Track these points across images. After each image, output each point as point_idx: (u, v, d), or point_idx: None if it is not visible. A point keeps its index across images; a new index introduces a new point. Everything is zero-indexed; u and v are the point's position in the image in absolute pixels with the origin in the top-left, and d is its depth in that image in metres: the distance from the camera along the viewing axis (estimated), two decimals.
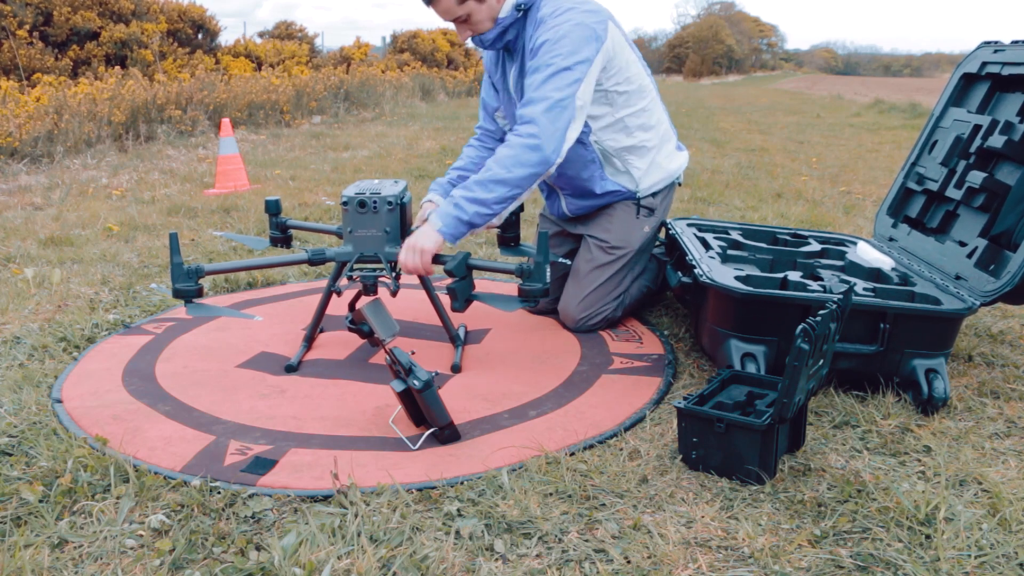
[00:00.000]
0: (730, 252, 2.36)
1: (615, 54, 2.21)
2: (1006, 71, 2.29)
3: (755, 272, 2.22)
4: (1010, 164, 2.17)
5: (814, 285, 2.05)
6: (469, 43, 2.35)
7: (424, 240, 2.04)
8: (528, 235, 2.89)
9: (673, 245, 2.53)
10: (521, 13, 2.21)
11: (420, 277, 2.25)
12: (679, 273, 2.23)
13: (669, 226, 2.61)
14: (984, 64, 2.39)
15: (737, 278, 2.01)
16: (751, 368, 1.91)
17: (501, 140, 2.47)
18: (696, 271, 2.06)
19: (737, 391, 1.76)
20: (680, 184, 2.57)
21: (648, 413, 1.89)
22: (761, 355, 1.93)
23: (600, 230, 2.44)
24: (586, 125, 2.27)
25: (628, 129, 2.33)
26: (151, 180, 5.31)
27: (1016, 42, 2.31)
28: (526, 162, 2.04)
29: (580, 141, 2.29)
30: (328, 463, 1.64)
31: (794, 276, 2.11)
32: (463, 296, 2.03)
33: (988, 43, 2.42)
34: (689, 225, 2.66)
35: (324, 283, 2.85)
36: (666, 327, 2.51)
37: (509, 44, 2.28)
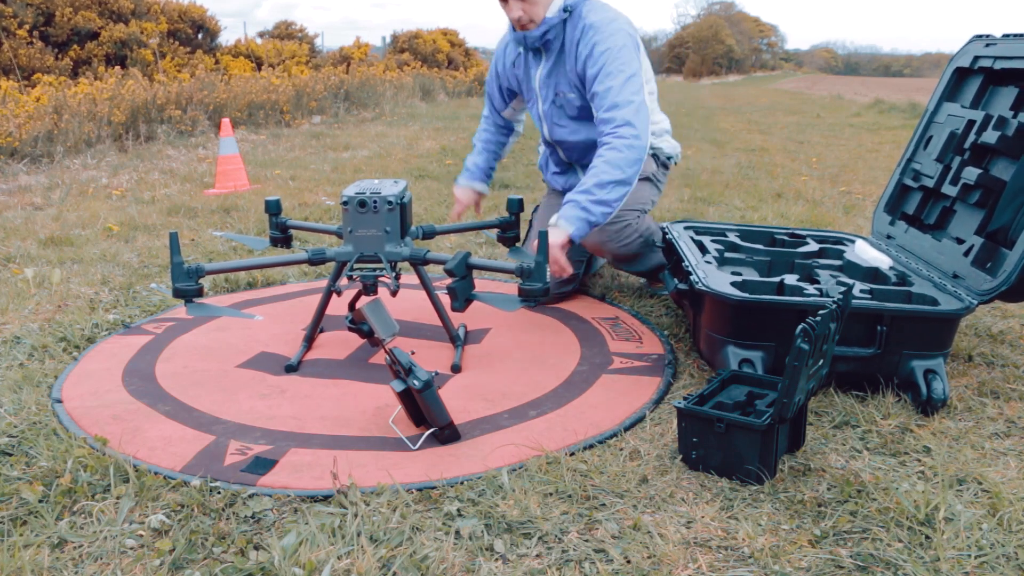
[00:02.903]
0: (727, 255, 2.36)
1: (642, 62, 2.45)
2: (998, 65, 2.28)
3: (752, 275, 2.22)
4: (1005, 159, 2.17)
5: (811, 288, 2.05)
6: (495, 44, 2.57)
7: (555, 240, 2.23)
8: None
9: (670, 250, 2.53)
10: (567, 15, 2.40)
11: (420, 277, 2.26)
12: (675, 279, 2.24)
13: (666, 230, 2.61)
14: (976, 58, 2.38)
15: (733, 284, 2.01)
16: None
17: (510, 130, 2.88)
18: (692, 277, 2.06)
19: (737, 391, 1.76)
20: (676, 163, 2.79)
21: (648, 413, 1.90)
22: (759, 360, 1.93)
23: None
24: None
25: None
26: (151, 180, 5.31)
27: (1008, 36, 2.31)
28: (635, 160, 2.28)
29: None
30: (328, 463, 1.64)
31: (791, 280, 2.11)
32: (463, 296, 2.03)
33: (980, 37, 2.42)
34: (686, 228, 2.66)
35: (324, 283, 2.85)
36: (666, 327, 2.51)
37: (545, 43, 2.46)
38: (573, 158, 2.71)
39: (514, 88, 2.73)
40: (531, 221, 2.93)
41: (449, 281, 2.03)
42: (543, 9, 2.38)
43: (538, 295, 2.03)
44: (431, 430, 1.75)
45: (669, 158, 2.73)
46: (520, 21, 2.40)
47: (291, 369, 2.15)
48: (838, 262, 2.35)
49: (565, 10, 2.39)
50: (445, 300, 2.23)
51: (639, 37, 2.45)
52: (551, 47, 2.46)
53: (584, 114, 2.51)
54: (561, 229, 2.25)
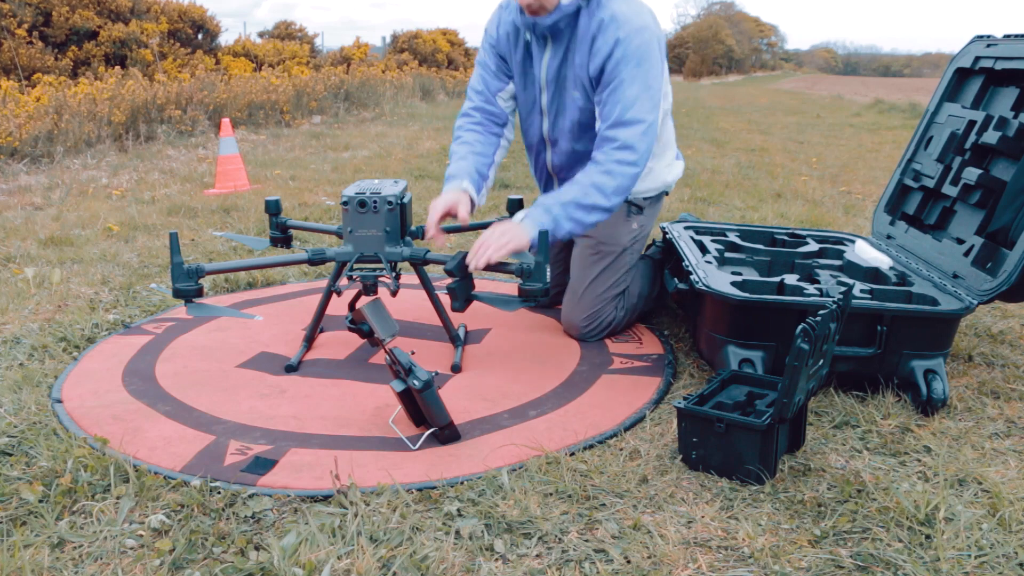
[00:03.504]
0: (727, 255, 2.36)
1: (664, 67, 2.21)
2: (999, 65, 2.28)
3: (753, 275, 2.22)
4: (1005, 160, 2.17)
5: (811, 288, 2.05)
6: (520, 23, 2.21)
7: (518, 236, 2.01)
8: None
9: (670, 250, 2.53)
10: (584, 3, 2.13)
11: (420, 277, 2.25)
12: (676, 279, 2.24)
13: (666, 230, 2.61)
14: (977, 59, 2.38)
15: (733, 284, 2.01)
16: None
17: (503, 123, 2.39)
18: (692, 277, 2.06)
19: (737, 391, 1.76)
20: (668, 194, 2.56)
21: (648, 413, 1.90)
22: (759, 360, 1.93)
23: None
24: None
25: None
26: (151, 180, 5.31)
27: (1009, 36, 2.31)
28: (625, 188, 2.10)
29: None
30: (328, 463, 1.64)
31: (791, 280, 2.11)
32: (463, 296, 2.03)
33: (981, 37, 2.41)
34: (686, 228, 2.66)
35: (324, 283, 2.85)
36: (666, 327, 2.51)
37: (555, 32, 2.19)
38: (557, 164, 2.43)
39: (509, 61, 2.36)
40: None
41: (449, 281, 2.03)
42: None
43: (538, 295, 2.03)
44: (431, 430, 1.75)
45: (664, 192, 2.50)
46: (531, 7, 2.14)
47: (291, 369, 2.15)
48: (838, 262, 2.35)
49: None
50: (445, 300, 2.23)
51: (663, 33, 2.20)
52: (561, 36, 2.20)
53: (585, 117, 2.26)
54: (525, 228, 2.03)
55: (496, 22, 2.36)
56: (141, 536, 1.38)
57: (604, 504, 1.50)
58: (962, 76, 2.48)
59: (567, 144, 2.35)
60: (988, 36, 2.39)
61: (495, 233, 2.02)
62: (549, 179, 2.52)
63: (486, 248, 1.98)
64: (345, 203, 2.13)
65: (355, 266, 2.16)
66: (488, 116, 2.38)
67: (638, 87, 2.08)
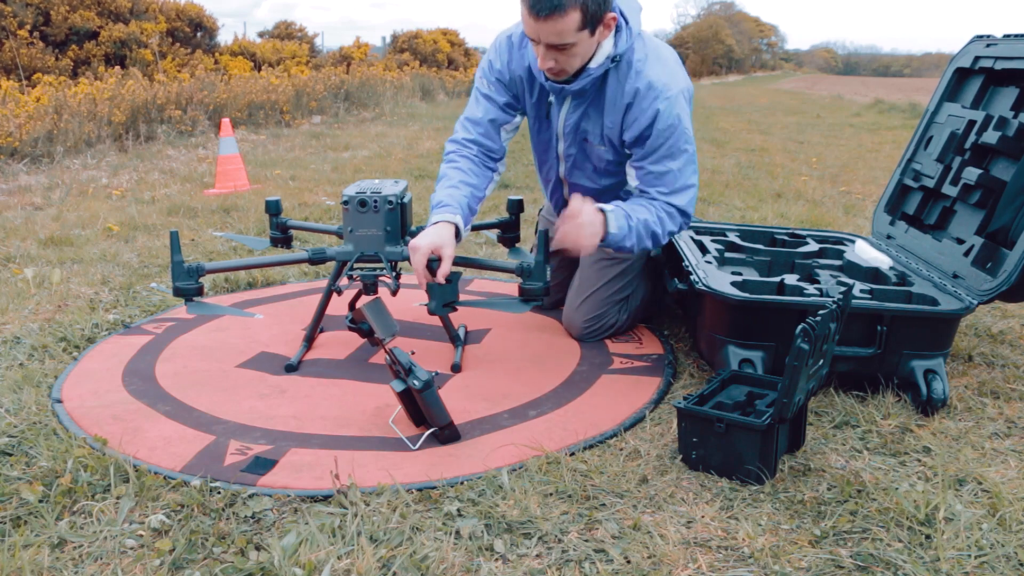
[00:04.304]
0: (727, 255, 2.36)
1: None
2: (999, 65, 2.28)
3: (753, 275, 2.22)
4: (1005, 160, 2.17)
5: (811, 288, 2.05)
6: (539, 77, 2.11)
7: (591, 233, 1.97)
8: (528, 235, 2.89)
9: (670, 250, 2.53)
10: (613, 64, 2.04)
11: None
12: (676, 279, 2.23)
13: None
14: (977, 58, 2.38)
15: (734, 284, 2.01)
16: None
17: (499, 159, 2.25)
18: (692, 277, 2.06)
19: (737, 391, 1.76)
20: None
21: (648, 413, 1.89)
22: (759, 360, 1.93)
23: None
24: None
25: None
26: (151, 180, 5.31)
27: (1008, 36, 2.31)
28: (667, 238, 2.13)
29: (624, 187, 2.26)
30: (328, 463, 1.64)
31: (791, 280, 2.11)
32: (440, 298, 1.98)
33: (981, 37, 2.41)
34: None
35: (324, 283, 2.85)
36: (666, 327, 2.51)
37: (580, 93, 2.11)
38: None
39: (521, 99, 2.23)
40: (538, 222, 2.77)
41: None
42: (580, 60, 1.98)
43: (539, 294, 2.03)
44: (431, 430, 1.75)
45: None
46: (552, 71, 2.00)
47: (291, 369, 2.15)
48: (838, 262, 2.35)
49: (613, 59, 2.02)
50: None
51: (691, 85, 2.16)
52: (585, 95, 2.11)
53: (612, 168, 2.22)
54: (600, 221, 1.98)
55: (506, 59, 2.18)
56: (141, 536, 1.38)
57: (604, 504, 1.50)
58: (962, 76, 2.48)
59: (590, 184, 2.31)
60: (988, 36, 2.39)
61: (576, 228, 1.96)
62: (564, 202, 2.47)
63: (564, 241, 1.97)
64: (345, 203, 2.13)
65: (355, 266, 2.16)
66: (484, 151, 2.22)
67: (683, 157, 2.07)
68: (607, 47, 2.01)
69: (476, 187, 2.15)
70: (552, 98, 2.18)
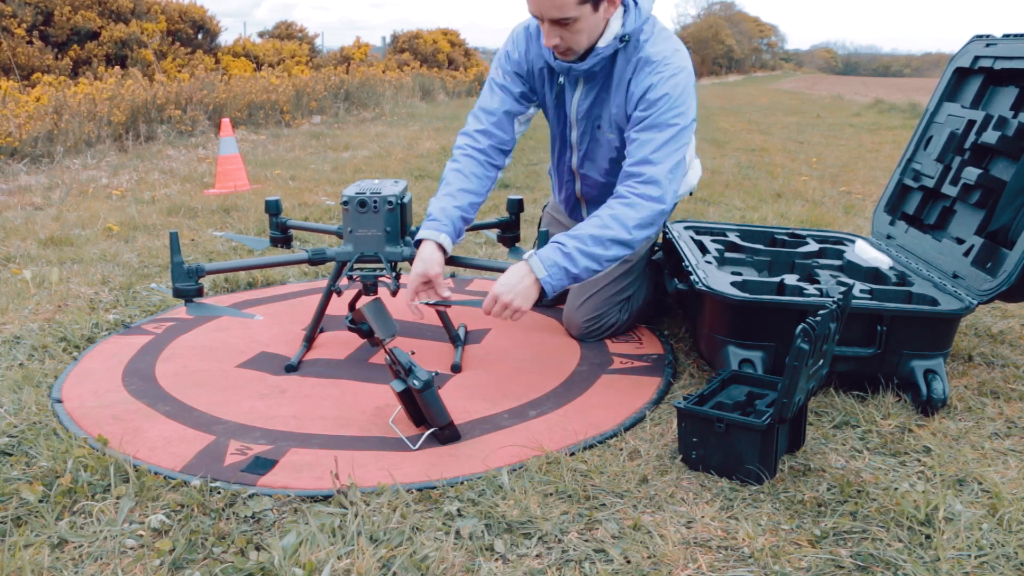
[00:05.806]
0: (727, 255, 2.36)
1: (693, 105, 2.12)
2: (998, 65, 2.28)
3: (753, 275, 2.22)
4: (1005, 159, 2.17)
5: (811, 288, 2.05)
6: (548, 58, 2.09)
7: (523, 296, 1.88)
8: (528, 235, 2.89)
9: (670, 250, 2.53)
10: (622, 44, 2.03)
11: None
12: (676, 279, 2.24)
13: (666, 230, 2.61)
14: (976, 58, 2.38)
15: (733, 284, 2.01)
16: None
17: (507, 151, 2.24)
18: (692, 278, 2.06)
19: (737, 391, 1.76)
20: (692, 194, 2.48)
21: (648, 413, 1.90)
22: (759, 360, 1.93)
23: None
24: None
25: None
26: (151, 180, 5.31)
27: (1008, 36, 2.31)
28: (648, 222, 1.97)
29: None
30: (328, 463, 1.64)
31: (791, 280, 2.11)
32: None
33: (980, 37, 2.41)
34: (686, 228, 2.66)
35: (324, 283, 2.85)
36: (666, 327, 2.51)
37: (590, 75, 2.10)
38: (587, 195, 2.40)
39: (538, 91, 2.24)
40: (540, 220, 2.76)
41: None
42: (586, 38, 1.98)
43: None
44: (431, 430, 1.75)
45: (688, 192, 2.44)
46: (557, 48, 2.00)
47: (291, 369, 2.15)
48: (838, 262, 2.35)
49: (622, 39, 2.01)
50: None
51: (692, 69, 2.11)
52: (595, 77, 2.11)
53: (621, 156, 2.16)
54: (531, 274, 1.90)
55: (523, 49, 2.19)
56: (141, 536, 1.38)
57: (604, 504, 1.50)
58: (961, 76, 2.48)
59: (599, 177, 2.31)
60: (987, 36, 2.39)
61: (505, 289, 1.90)
62: (576, 204, 2.48)
63: (492, 314, 1.91)
64: (345, 203, 2.13)
65: (355, 266, 2.16)
66: (494, 143, 2.21)
67: (670, 130, 1.99)
68: (615, 26, 2.00)
69: (475, 192, 2.14)
70: (563, 80, 2.16)
